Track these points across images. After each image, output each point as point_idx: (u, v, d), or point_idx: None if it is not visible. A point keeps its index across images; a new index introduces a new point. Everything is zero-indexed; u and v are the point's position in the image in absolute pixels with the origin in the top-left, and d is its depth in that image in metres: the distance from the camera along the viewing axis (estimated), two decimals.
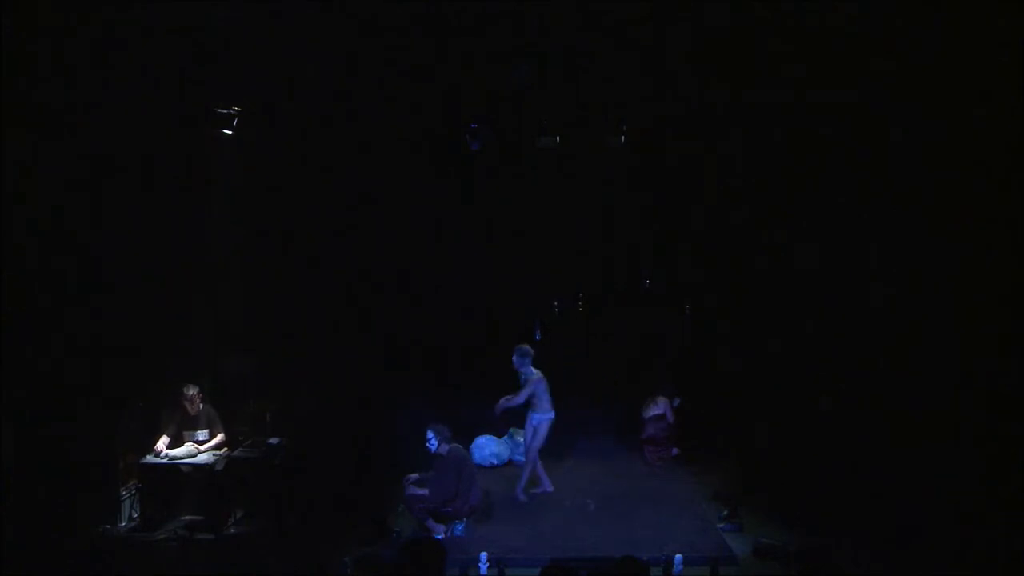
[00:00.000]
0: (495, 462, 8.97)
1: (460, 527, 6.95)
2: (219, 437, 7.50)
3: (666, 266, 10.51)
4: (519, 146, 9.03)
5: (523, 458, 8.20)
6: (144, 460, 7.19)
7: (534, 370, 7.70)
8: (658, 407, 9.22)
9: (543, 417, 7.73)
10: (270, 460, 7.47)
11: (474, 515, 7.14)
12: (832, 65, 6.86)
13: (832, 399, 7.92)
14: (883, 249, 7.38)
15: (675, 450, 9.17)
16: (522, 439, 8.73)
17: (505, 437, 9.16)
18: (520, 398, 7.65)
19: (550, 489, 7.94)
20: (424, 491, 6.85)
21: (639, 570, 3.96)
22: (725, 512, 7.24)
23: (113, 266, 6.94)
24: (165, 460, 7.17)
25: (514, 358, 7.71)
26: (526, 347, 7.83)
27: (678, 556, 6.17)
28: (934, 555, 5.92)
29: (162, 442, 7.26)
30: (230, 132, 7.79)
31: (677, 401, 9.38)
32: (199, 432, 7.43)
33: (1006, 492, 5.90)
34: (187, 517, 7.14)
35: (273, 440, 7.70)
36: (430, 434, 6.89)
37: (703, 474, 8.62)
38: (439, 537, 6.63)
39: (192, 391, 7.34)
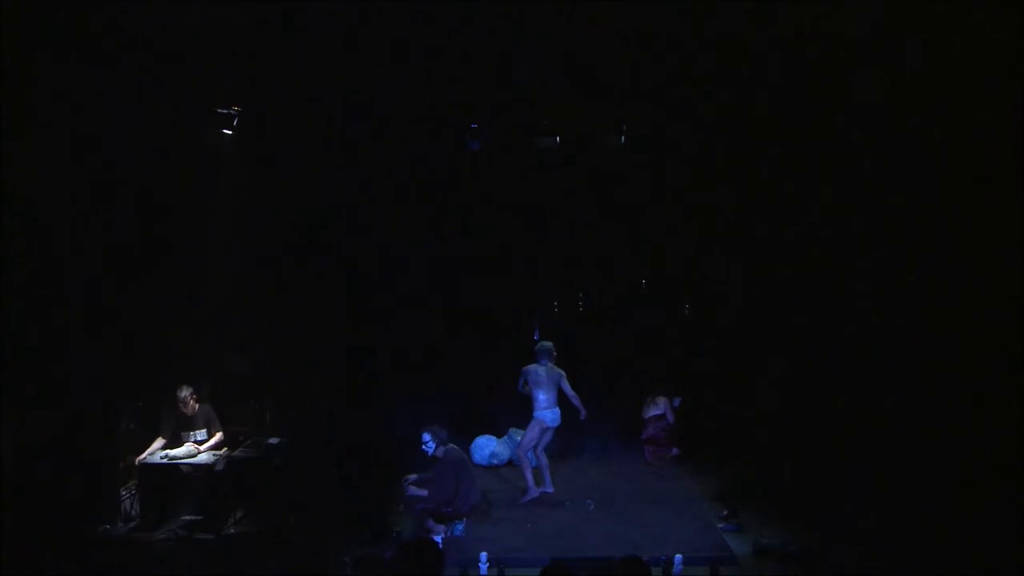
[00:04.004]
0: (495, 462, 8.97)
1: (460, 527, 6.95)
2: (218, 436, 7.50)
3: (666, 266, 10.49)
4: (519, 146, 9.02)
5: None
6: (144, 460, 7.20)
7: (543, 365, 7.74)
8: (658, 407, 9.24)
9: (533, 414, 7.75)
10: (270, 460, 7.47)
11: (474, 515, 7.15)
12: (831, 65, 6.88)
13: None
14: (883, 248, 7.38)
15: (675, 450, 9.17)
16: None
17: (505, 437, 9.16)
18: (519, 385, 7.78)
19: (550, 490, 7.93)
20: (423, 491, 6.86)
21: (643, 571, 3.95)
22: (725, 512, 7.25)
23: (113, 266, 6.94)
24: (165, 460, 7.18)
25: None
26: (539, 345, 7.91)
27: (678, 556, 6.17)
28: (934, 555, 5.93)
29: (156, 445, 7.28)
30: (230, 132, 7.80)
31: (677, 401, 9.39)
32: (198, 432, 7.44)
33: (1006, 492, 5.90)
34: (187, 517, 7.14)
35: (273, 440, 7.70)
36: (426, 436, 6.89)
37: (703, 474, 8.63)
38: (439, 538, 6.63)
39: (185, 392, 7.34)
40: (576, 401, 7.71)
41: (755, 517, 7.21)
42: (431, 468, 6.99)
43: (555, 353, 7.86)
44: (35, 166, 6.10)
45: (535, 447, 7.89)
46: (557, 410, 7.77)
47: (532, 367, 7.76)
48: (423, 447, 6.90)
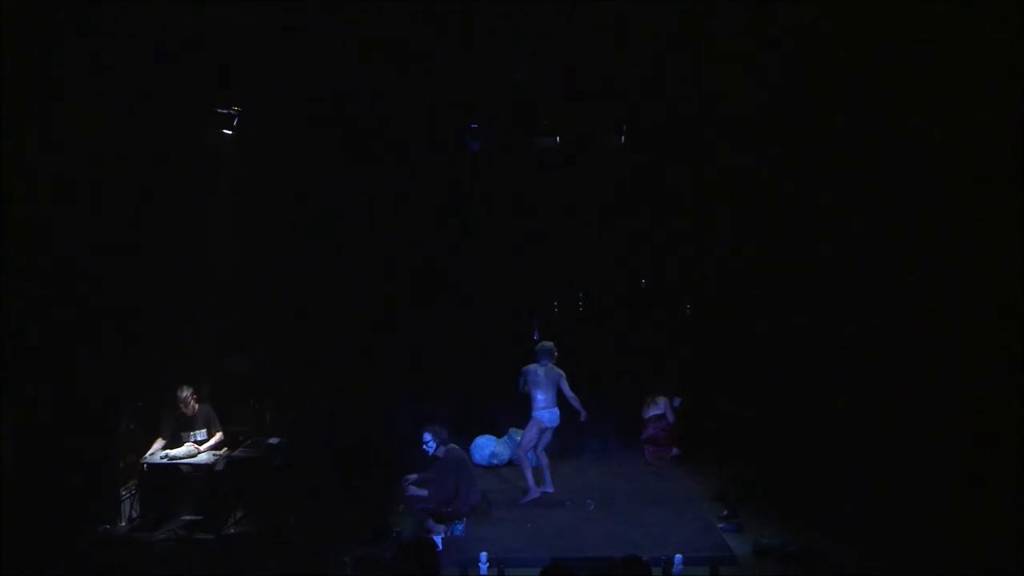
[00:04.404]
0: (495, 462, 8.97)
1: (460, 527, 6.95)
2: (218, 436, 7.50)
3: (666, 265, 10.49)
4: (519, 146, 9.02)
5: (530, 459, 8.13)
6: (144, 460, 7.19)
7: (543, 365, 7.74)
8: (658, 407, 9.24)
9: (531, 414, 7.75)
10: (270, 460, 7.47)
11: (474, 515, 7.15)
12: (832, 65, 6.89)
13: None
14: (883, 248, 7.38)
15: (675, 450, 9.17)
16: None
17: (505, 437, 9.16)
18: (519, 385, 7.81)
19: (550, 490, 7.93)
20: (423, 491, 6.86)
21: (643, 571, 3.95)
22: (725, 512, 7.25)
23: (113, 265, 6.94)
24: (165, 460, 7.18)
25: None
26: (539, 345, 7.92)
27: (678, 556, 6.18)
28: (934, 555, 5.93)
29: (156, 445, 7.29)
30: (230, 132, 7.80)
31: (677, 401, 9.39)
32: (197, 432, 7.44)
33: (1006, 492, 5.90)
34: (187, 517, 7.13)
35: (273, 440, 7.70)
36: (427, 436, 6.89)
37: (703, 474, 8.63)
38: (439, 538, 6.63)
39: (185, 392, 7.35)
40: (576, 402, 7.71)
41: (755, 517, 7.21)
42: (431, 468, 6.99)
43: (556, 353, 7.86)
44: (35, 166, 6.09)
45: (535, 447, 7.89)
46: (556, 410, 7.76)
47: (532, 367, 7.77)
48: (424, 447, 6.91)
